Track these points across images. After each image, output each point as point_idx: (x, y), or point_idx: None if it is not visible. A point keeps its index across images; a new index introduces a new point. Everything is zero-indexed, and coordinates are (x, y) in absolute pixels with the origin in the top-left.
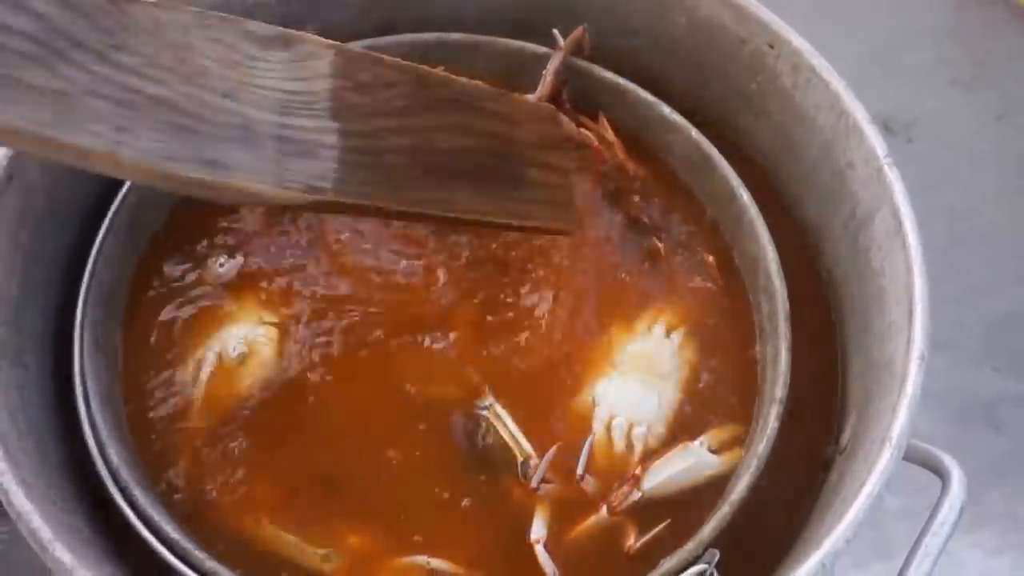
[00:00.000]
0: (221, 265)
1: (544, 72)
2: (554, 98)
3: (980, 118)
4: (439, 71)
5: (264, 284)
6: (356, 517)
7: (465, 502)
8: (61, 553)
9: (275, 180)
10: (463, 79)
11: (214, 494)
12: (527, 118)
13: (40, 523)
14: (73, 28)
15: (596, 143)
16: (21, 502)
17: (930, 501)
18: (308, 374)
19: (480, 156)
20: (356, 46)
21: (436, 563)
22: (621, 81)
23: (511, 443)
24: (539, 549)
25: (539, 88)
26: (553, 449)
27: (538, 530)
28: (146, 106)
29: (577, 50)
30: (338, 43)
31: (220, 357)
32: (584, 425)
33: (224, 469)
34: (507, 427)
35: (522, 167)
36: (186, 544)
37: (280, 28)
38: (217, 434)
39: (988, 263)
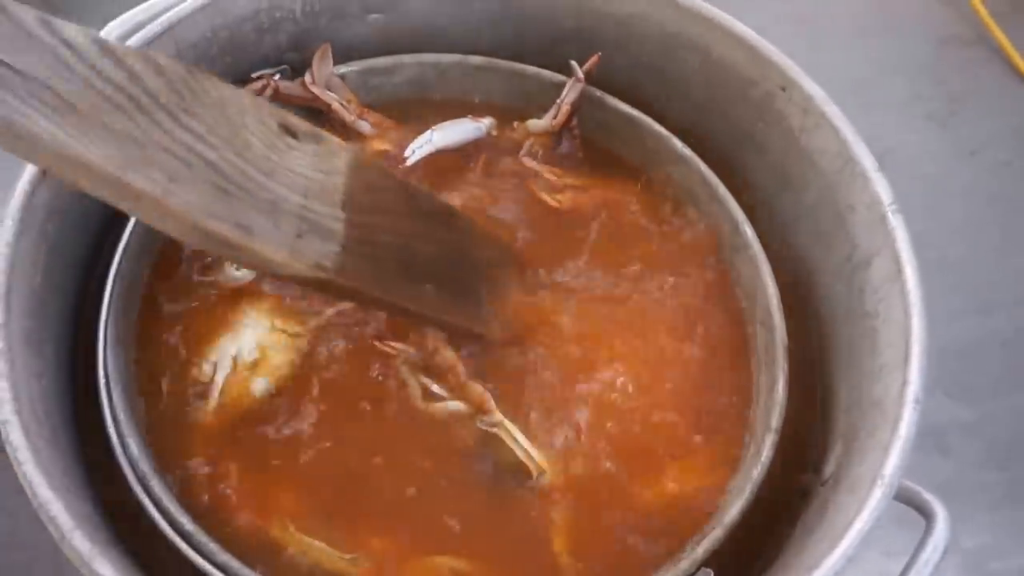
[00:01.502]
0: (237, 269)
1: (559, 100)
2: (566, 125)
3: (953, 153)
4: (424, 187)
5: (279, 291)
6: (380, 521)
7: (484, 505)
8: (80, 542)
9: (289, 251)
10: (440, 199)
11: (233, 499)
12: (483, 242)
13: (60, 511)
14: (155, 87)
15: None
16: (43, 491)
17: (897, 531)
18: (323, 379)
19: (445, 264)
20: (379, 62)
21: (459, 564)
22: (633, 112)
23: (524, 458)
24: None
25: (553, 114)
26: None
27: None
28: (199, 166)
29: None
30: (354, 149)
31: (235, 360)
32: None
33: (243, 474)
34: (520, 444)
35: (475, 280)
36: (202, 536)
37: (312, 126)
38: (234, 437)
39: (946, 293)
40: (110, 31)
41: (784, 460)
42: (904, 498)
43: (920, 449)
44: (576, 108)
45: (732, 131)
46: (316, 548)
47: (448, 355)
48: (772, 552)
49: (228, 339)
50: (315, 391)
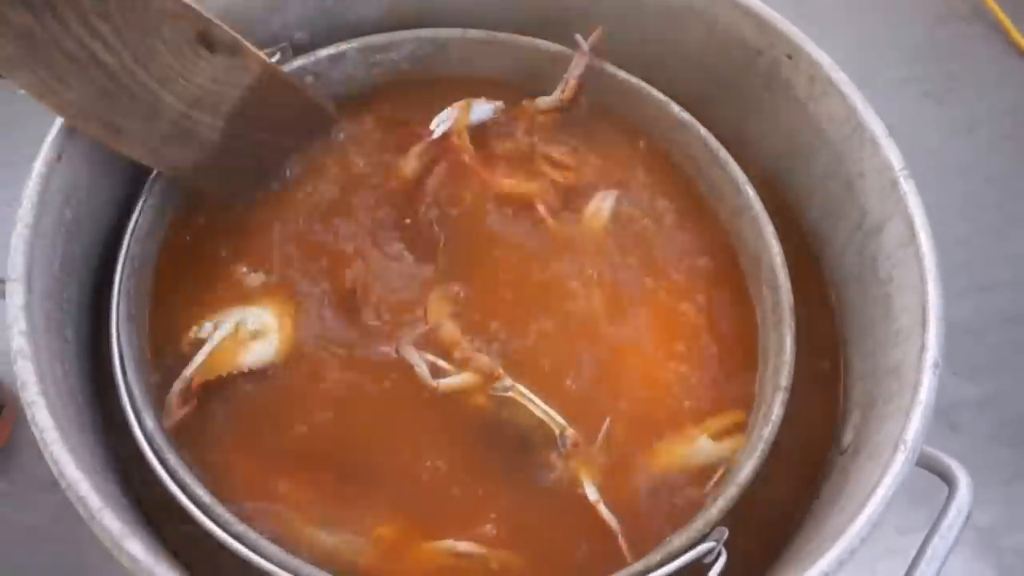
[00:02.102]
0: (246, 274)
1: (566, 75)
2: (574, 100)
3: (951, 130)
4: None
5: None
6: (384, 508)
7: (498, 484)
8: (110, 521)
9: (149, 153)
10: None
11: (238, 485)
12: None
13: (88, 491)
14: None
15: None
16: (71, 471)
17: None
18: (325, 365)
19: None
20: (377, 39)
21: (462, 546)
22: (632, 79)
23: (544, 418)
24: (601, 508)
25: (561, 89)
26: (608, 420)
27: (592, 493)
28: (91, 68)
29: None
30: (272, 65)
31: (238, 326)
32: None
33: (245, 466)
34: (536, 404)
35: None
36: (218, 508)
37: (237, 38)
38: (239, 424)
39: (948, 271)
40: None
41: (806, 433)
42: (925, 464)
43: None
44: (583, 82)
45: (740, 101)
46: (322, 539)
47: (451, 329)
48: (793, 525)
49: (237, 310)
50: (316, 375)
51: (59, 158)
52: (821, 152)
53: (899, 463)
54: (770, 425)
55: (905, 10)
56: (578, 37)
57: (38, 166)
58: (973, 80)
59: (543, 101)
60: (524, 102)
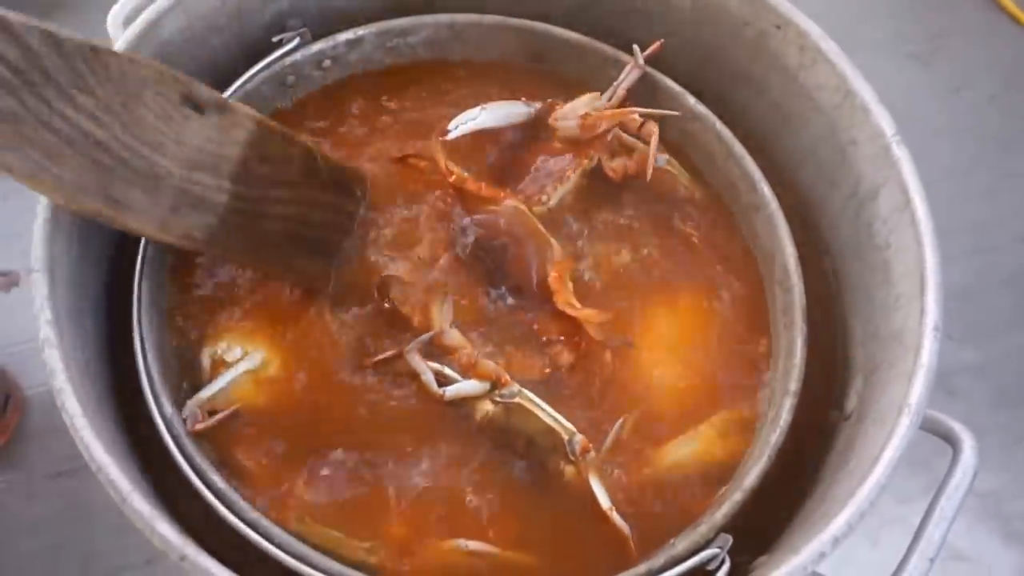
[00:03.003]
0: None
1: (616, 83)
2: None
3: (937, 91)
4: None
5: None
6: (397, 508)
7: (508, 488)
8: (139, 504)
9: (160, 225)
10: (350, 166)
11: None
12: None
13: (118, 474)
14: (52, 66)
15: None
16: (100, 455)
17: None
18: (340, 369)
19: (332, 231)
20: (395, 24)
21: (473, 545)
22: (652, 72)
23: (552, 424)
24: (614, 515)
25: (609, 95)
26: (620, 420)
27: (604, 499)
28: (81, 143)
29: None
30: (264, 119)
31: (263, 363)
32: None
33: (261, 465)
34: (543, 409)
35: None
36: (232, 494)
37: (220, 96)
38: (254, 427)
39: (942, 234)
40: (124, 5)
41: (810, 401)
42: (929, 427)
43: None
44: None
45: (730, 73)
46: (335, 538)
47: (455, 335)
48: (803, 490)
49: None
50: (331, 381)
51: None
52: (813, 121)
53: (904, 426)
54: (778, 431)
55: None
56: (635, 48)
57: None
58: (956, 41)
59: (581, 103)
60: (560, 103)
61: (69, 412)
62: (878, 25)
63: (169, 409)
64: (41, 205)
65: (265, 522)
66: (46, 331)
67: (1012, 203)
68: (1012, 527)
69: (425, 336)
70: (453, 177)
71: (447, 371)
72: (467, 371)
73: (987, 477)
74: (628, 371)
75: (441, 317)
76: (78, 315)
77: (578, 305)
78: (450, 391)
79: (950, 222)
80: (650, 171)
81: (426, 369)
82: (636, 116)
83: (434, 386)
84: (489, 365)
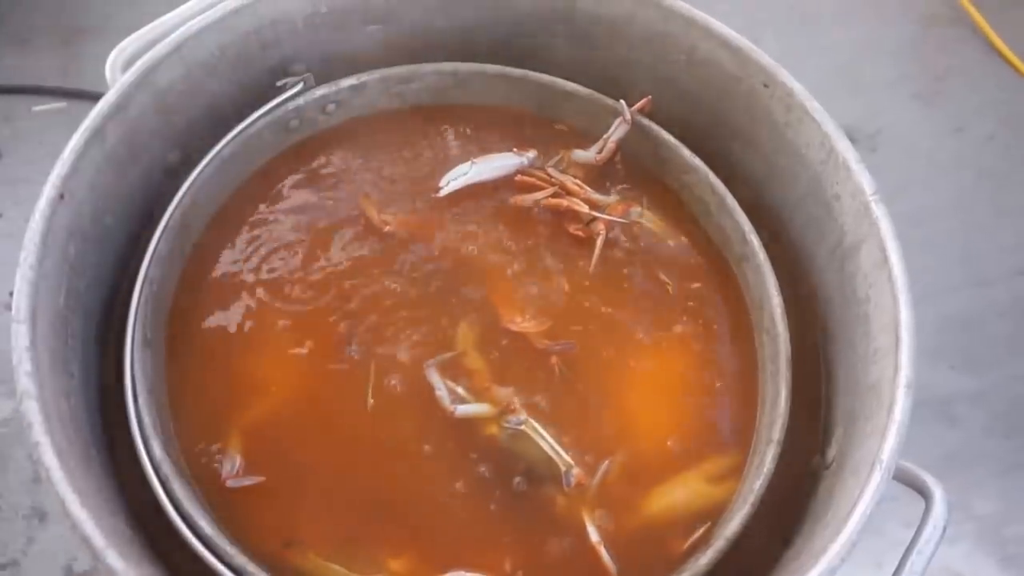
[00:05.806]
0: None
1: (605, 136)
2: (610, 160)
3: (939, 130)
4: None
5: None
6: (397, 541)
7: (502, 516)
8: (114, 560)
9: None
10: None
11: (254, 519)
12: None
13: (93, 530)
14: None
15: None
16: (77, 510)
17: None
18: (342, 401)
19: None
20: (399, 71)
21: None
22: (644, 121)
23: (551, 454)
24: (602, 550)
25: (598, 148)
26: (606, 463)
27: (593, 534)
28: None
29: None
30: None
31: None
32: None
33: (262, 501)
34: (545, 440)
35: None
36: (221, 541)
37: None
38: (256, 461)
39: (943, 266)
40: (123, 49)
41: (793, 446)
42: (903, 478)
43: (928, 420)
44: (620, 145)
45: (723, 126)
46: (336, 572)
47: (477, 359)
48: (787, 539)
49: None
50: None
51: (61, 197)
52: (801, 175)
53: (876, 481)
54: (761, 478)
55: (891, 15)
56: (622, 103)
57: (40, 205)
58: (958, 81)
59: (578, 155)
60: (560, 152)
61: (45, 466)
62: (884, 66)
63: (159, 453)
64: (26, 251)
65: (251, 568)
66: (24, 383)
67: (1010, 237)
68: (1008, 551)
69: (447, 355)
70: (387, 228)
71: (460, 391)
72: (481, 395)
73: (985, 502)
74: (613, 413)
75: (465, 339)
76: (63, 362)
77: (519, 320)
78: (461, 409)
79: (952, 255)
80: (593, 264)
81: (442, 385)
82: (585, 209)
83: (447, 402)
84: (502, 392)
